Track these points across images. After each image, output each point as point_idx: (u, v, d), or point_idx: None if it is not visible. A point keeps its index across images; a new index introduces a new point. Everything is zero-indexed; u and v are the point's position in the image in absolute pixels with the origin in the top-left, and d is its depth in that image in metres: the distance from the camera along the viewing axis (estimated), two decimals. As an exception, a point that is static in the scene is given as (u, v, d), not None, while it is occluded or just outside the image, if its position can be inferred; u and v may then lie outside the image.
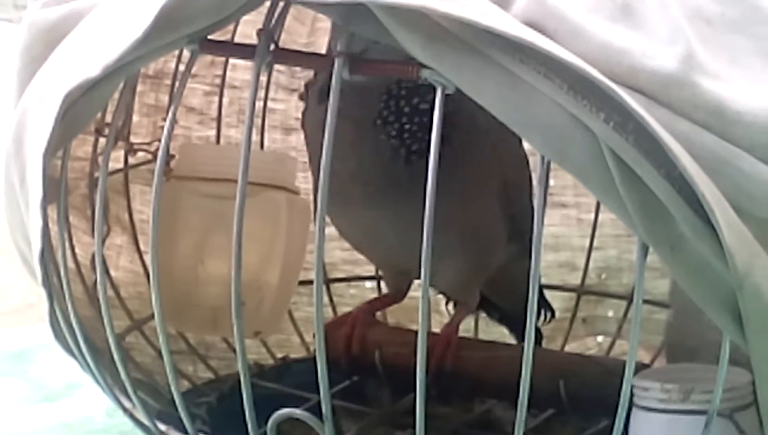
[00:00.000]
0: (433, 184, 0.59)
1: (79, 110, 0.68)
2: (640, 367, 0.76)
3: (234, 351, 0.98)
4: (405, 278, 0.93)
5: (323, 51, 0.98)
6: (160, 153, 0.67)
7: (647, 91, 0.58)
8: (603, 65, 0.57)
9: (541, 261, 0.61)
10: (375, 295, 1.05)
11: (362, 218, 0.84)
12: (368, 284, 1.10)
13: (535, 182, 0.96)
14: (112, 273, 0.93)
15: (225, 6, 0.63)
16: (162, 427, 0.77)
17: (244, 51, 0.68)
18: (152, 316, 0.93)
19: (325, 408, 0.62)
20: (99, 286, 0.72)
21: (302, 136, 0.89)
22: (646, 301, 0.80)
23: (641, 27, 0.59)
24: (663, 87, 0.58)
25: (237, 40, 0.86)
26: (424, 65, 0.59)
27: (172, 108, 0.67)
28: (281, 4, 0.65)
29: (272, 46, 0.64)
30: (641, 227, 0.57)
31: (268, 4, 0.64)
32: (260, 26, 0.64)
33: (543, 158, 0.58)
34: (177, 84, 0.94)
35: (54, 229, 0.74)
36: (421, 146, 0.78)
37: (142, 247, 0.96)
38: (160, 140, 0.94)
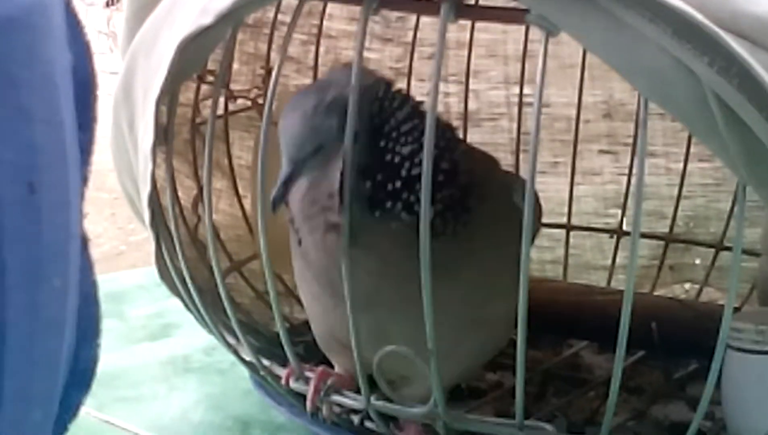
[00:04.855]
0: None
1: (189, 57, 0.70)
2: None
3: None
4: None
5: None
6: (266, 102, 0.68)
7: (750, 36, 0.58)
8: (706, 10, 0.57)
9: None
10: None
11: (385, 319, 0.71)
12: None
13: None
14: (213, 216, 0.95)
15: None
16: (265, 362, 0.79)
17: (351, -2, 0.69)
18: (251, 258, 0.96)
19: (431, 344, 0.63)
20: (207, 225, 0.74)
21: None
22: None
23: (744, -28, 0.60)
24: (766, 32, 0.58)
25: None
26: (529, 10, 0.60)
27: (278, 60, 0.68)
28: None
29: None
30: (743, 169, 0.58)
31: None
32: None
33: (646, 102, 0.59)
34: (277, 33, 0.96)
35: (159, 173, 0.76)
36: (439, 210, 0.68)
37: (240, 191, 0.99)
38: (259, 87, 0.97)
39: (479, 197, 0.70)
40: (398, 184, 0.68)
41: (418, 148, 0.67)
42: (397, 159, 0.68)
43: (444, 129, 0.72)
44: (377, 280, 0.69)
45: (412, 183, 0.67)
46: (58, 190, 0.37)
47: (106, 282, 1.28)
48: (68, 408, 0.42)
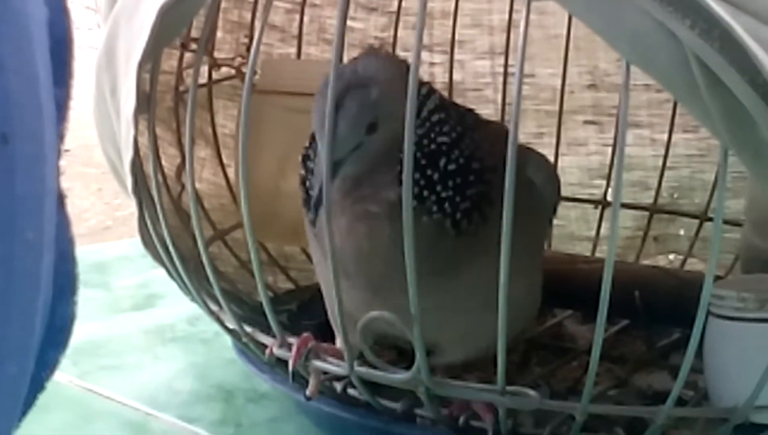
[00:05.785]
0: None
1: (171, 21, 0.69)
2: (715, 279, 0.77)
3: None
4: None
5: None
6: (248, 70, 0.67)
7: (732, -1, 0.58)
8: (689, -27, 0.57)
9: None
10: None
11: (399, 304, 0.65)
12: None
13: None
14: (196, 185, 0.94)
15: None
16: (248, 329, 0.79)
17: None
18: (235, 227, 0.96)
19: (414, 308, 0.63)
20: (189, 191, 0.73)
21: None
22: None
23: (727, -65, 0.60)
24: (748, -5, 0.58)
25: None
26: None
27: (259, 27, 0.67)
28: None
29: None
30: (724, 132, 0.58)
31: None
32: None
33: (628, 66, 0.59)
34: (260, 2, 0.96)
35: (142, 141, 0.75)
36: (467, 209, 0.68)
37: (224, 160, 0.98)
38: (243, 56, 0.97)
39: (499, 186, 0.66)
40: (435, 176, 0.68)
41: (451, 142, 0.68)
42: (433, 148, 0.68)
43: (473, 122, 0.71)
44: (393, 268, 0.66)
45: (447, 179, 0.68)
46: (32, 142, 0.36)
47: (91, 253, 1.30)
48: (45, 366, 0.42)
